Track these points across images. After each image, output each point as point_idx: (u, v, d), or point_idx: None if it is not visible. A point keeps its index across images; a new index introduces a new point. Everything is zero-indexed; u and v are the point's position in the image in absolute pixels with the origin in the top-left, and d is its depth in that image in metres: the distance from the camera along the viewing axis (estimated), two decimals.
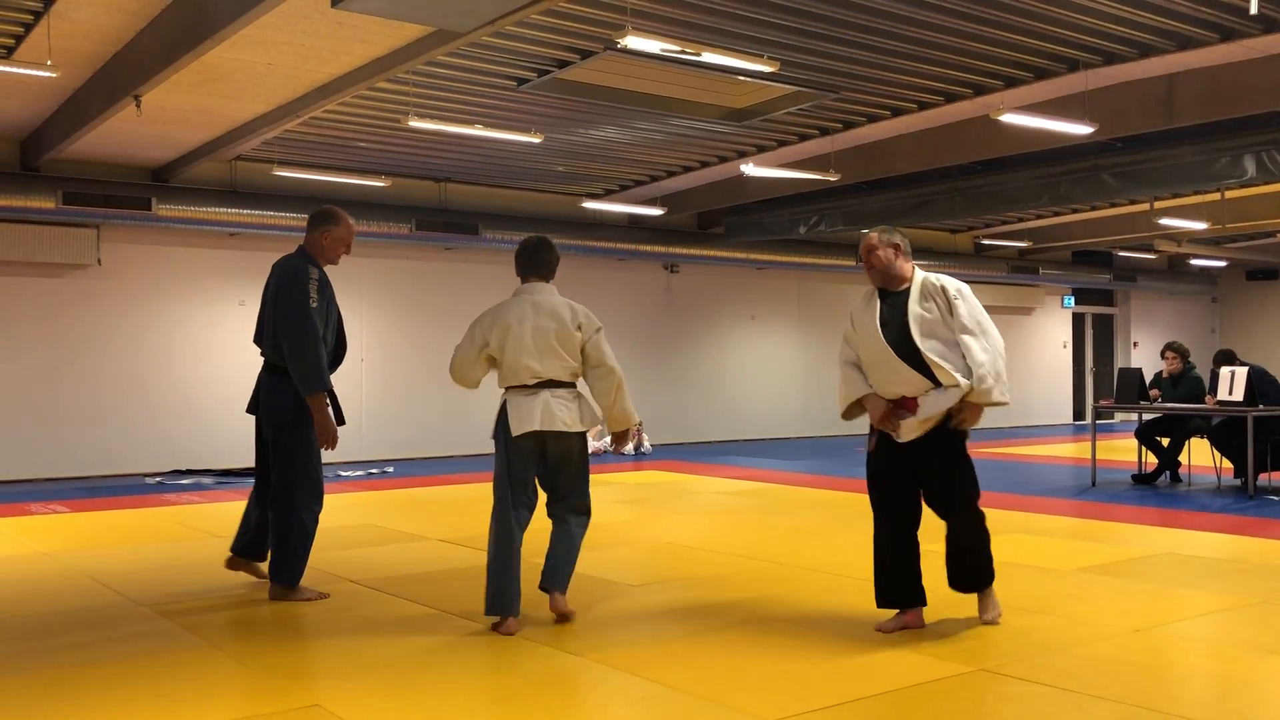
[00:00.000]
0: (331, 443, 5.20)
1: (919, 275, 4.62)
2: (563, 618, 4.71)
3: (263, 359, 5.36)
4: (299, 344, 5.07)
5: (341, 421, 5.37)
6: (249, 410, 5.41)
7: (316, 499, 5.32)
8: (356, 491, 9.77)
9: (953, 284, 4.60)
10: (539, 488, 4.87)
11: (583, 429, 4.85)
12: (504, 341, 4.83)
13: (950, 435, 4.55)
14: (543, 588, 4.73)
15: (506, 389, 4.83)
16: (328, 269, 5.35)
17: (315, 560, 5.88)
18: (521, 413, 4.73)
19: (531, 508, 4.84)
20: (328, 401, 5.19)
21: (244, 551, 5.45)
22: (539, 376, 4.78)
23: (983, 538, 4.62)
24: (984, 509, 4.66)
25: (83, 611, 5.02)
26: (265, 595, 5.29)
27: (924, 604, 4.56)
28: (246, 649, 4.36)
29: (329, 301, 5.27)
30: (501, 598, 4.59)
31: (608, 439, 13.71)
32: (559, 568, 4.78)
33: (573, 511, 4.89)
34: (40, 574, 5.94)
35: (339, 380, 5.51)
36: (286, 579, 5.23)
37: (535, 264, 5.17)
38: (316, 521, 5.34)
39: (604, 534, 7.29)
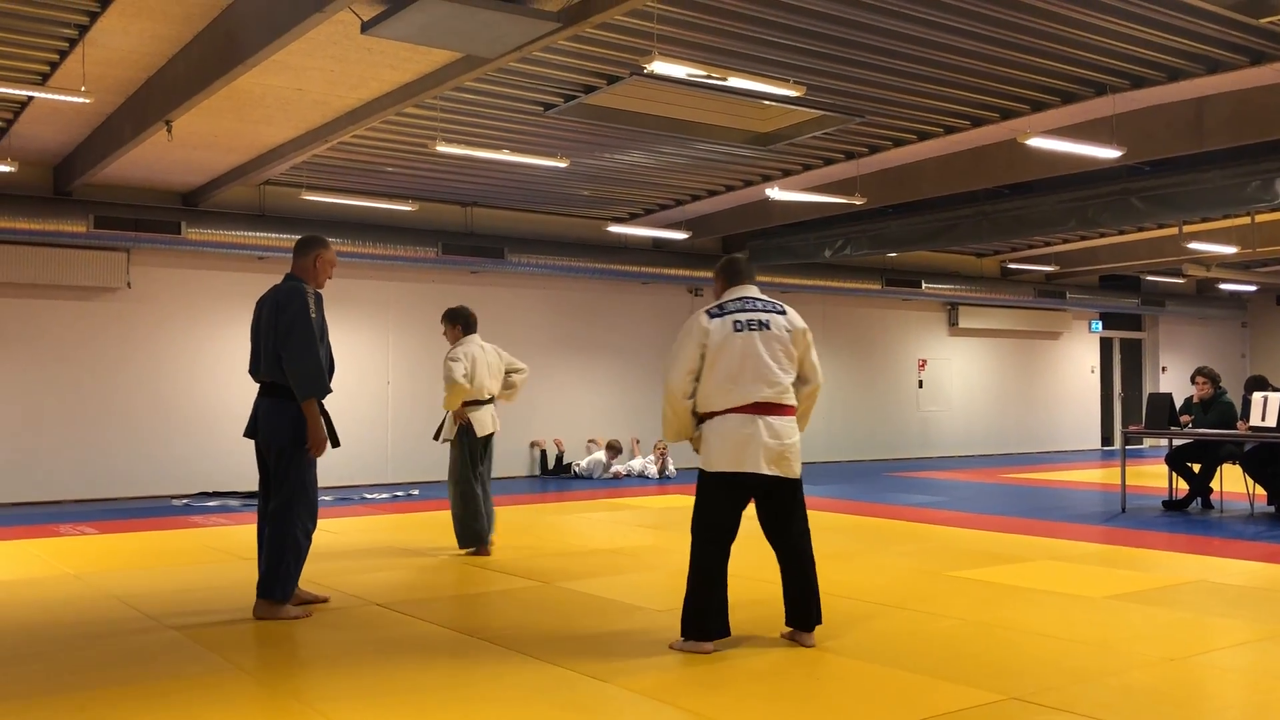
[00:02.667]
0: (318, 450, 5.32)
1: None
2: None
3: (259, 384, 5.49)
4: (299, 351, 5.24)
5: (336, 444, 5.49)
6: (247, 434, 5.51)
7: (311, 519, 5.42)
8: (381, 514, 9.79)
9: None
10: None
11: None
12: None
13: None
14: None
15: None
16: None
17: (338, 582, 5.91)
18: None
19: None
20: (322, 410, 5.36)
21: None
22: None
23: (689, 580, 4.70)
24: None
25: (110, 633, 5.04)
26: (293, 619, 5.29)
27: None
28: (271, 672, 4.36)
29: (323, 320, 5.45)
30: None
31: (644, 461, 13.65)
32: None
33: None
34: (69, 595, 5.97)
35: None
36: (277, 594, 5.29)
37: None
38: (310, 541, 5.43)
39: (629, 558, 7.27)
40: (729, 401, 4.59)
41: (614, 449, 13.87)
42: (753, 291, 4.85)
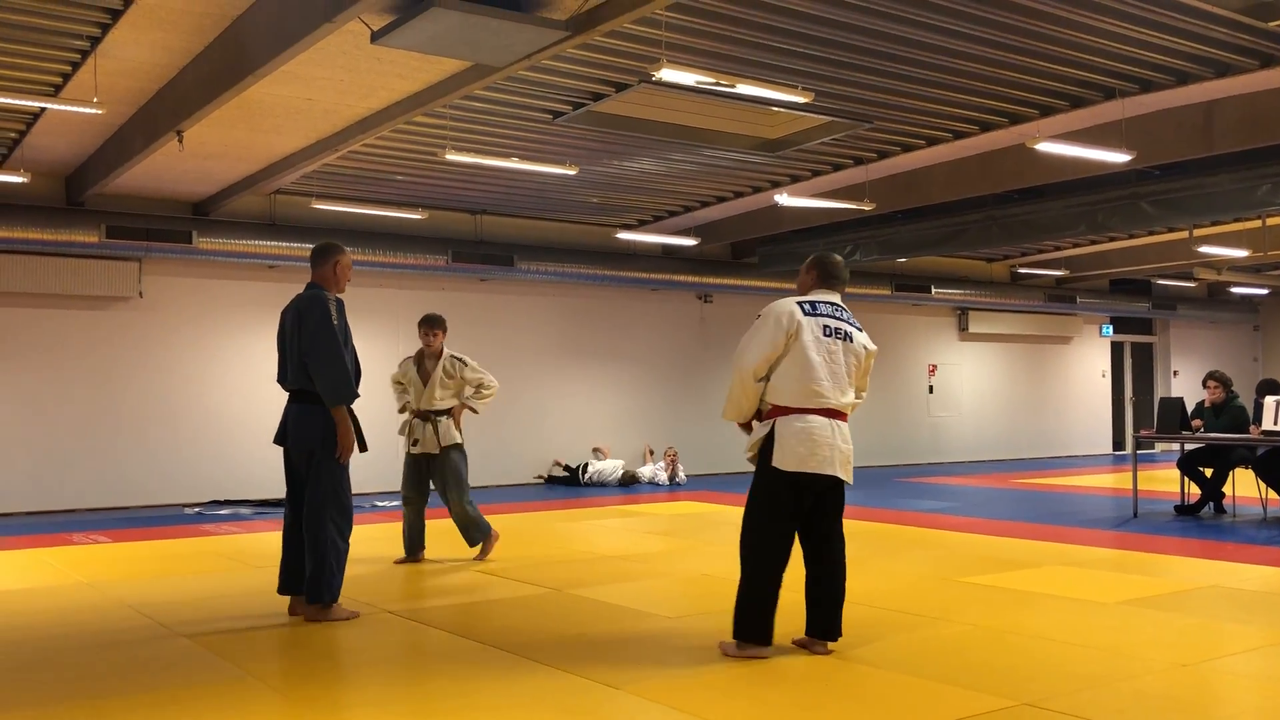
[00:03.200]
0: (346, 455, 5.39)
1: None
2: None
3: (288, 392, 5.53)
4: (324, 359, 5.31)
5: (364, 448, 5.57)
6: (276, 441, 5.56)
7: (347, 522, 5.48)
8: (391, 522, 9.79)
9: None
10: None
11: None
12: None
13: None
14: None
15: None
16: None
17: (350, 588, 5.92)
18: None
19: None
20: (351, 415, 5.42)
21: (293, 587, 5.52)
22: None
23: (740, 582, 4.66)
24: (751, 552, 4.67)
25: (123, 641, 5.06)
26: (302, 625, 5.31)
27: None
28: (285, 679, 4.37)
29: (346, 325, 5.52)
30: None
31: (654, 467, 13.65)
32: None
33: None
34: (82, 603, 6.00)
35: (362, 409, 5.62)
36: (325, 597, 5.36)
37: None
38: (348, 544, 5.50)
39: (639, 565, 7.27)
40: (808, 401, 4.56)
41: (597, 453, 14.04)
42: (839, 299, 4.86)
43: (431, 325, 7.44)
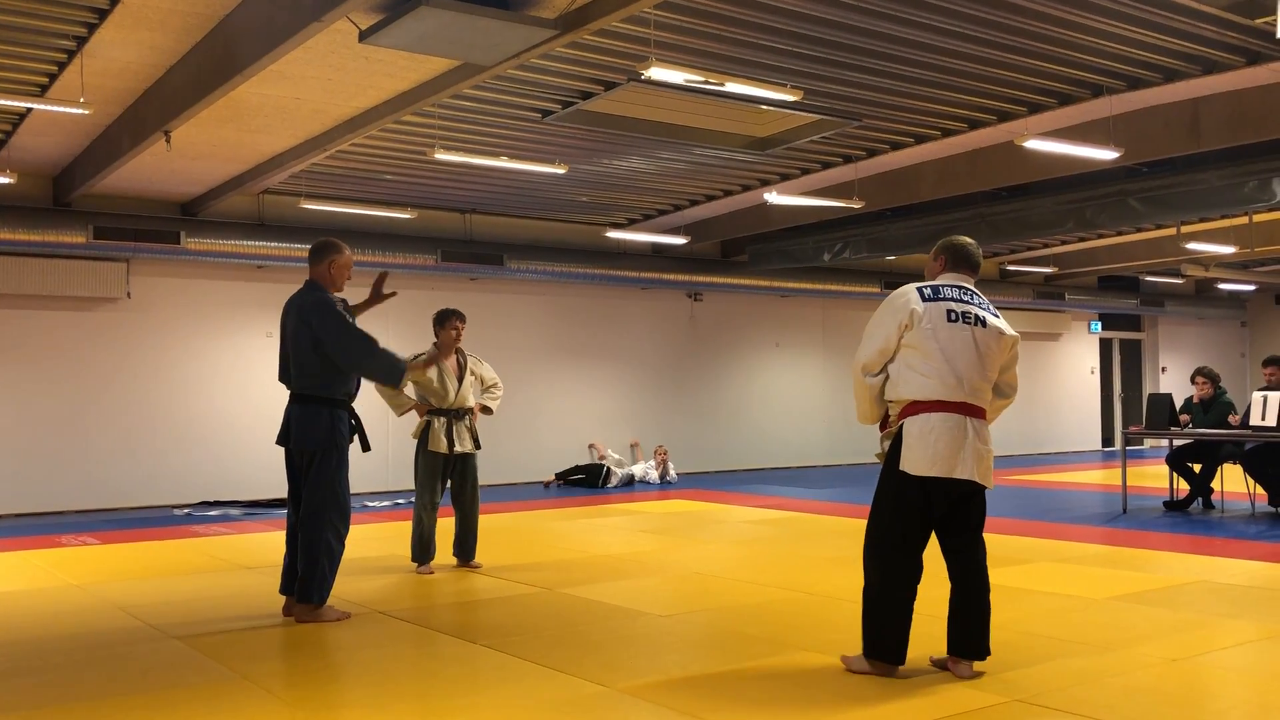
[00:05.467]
0: (446, 353, 6.02)
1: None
2: None
3: (290, 392, 5.51)
4: (360, 354, 5.39)
5: (366, 448, 5.60)
6: (279, 442, 5.52)
7: (344, 524, 5.49)
8: (382, 522, 9.78)
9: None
10: None
11: None
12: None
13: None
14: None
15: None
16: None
17: (341, 589, 5.90)
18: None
19: None
20: (341, 416, 5.48)
21: (294, 589, 5.51)
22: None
23: (864, 592, 4.31)
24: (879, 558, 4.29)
25: (113, 643, 5.04)
26: (294, 626, 5.31)
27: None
28: (278, 681, 4.36)
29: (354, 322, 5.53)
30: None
31: (645, 465, 13.62)
32: None
33: None
34: (71, 605, 5.97)
35: (360, 406, 5.62)
36: (314, 598, 5.36)
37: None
38: (344, 546, 5.50)
39: (631, 564, 7.28)
40: (935, 394, 4.11)
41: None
42: (972, 284, 4.37)
43: (463, 318, 7.08)
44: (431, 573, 6.88)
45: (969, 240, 4.48)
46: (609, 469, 13.41)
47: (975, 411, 4.19)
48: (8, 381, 10.87)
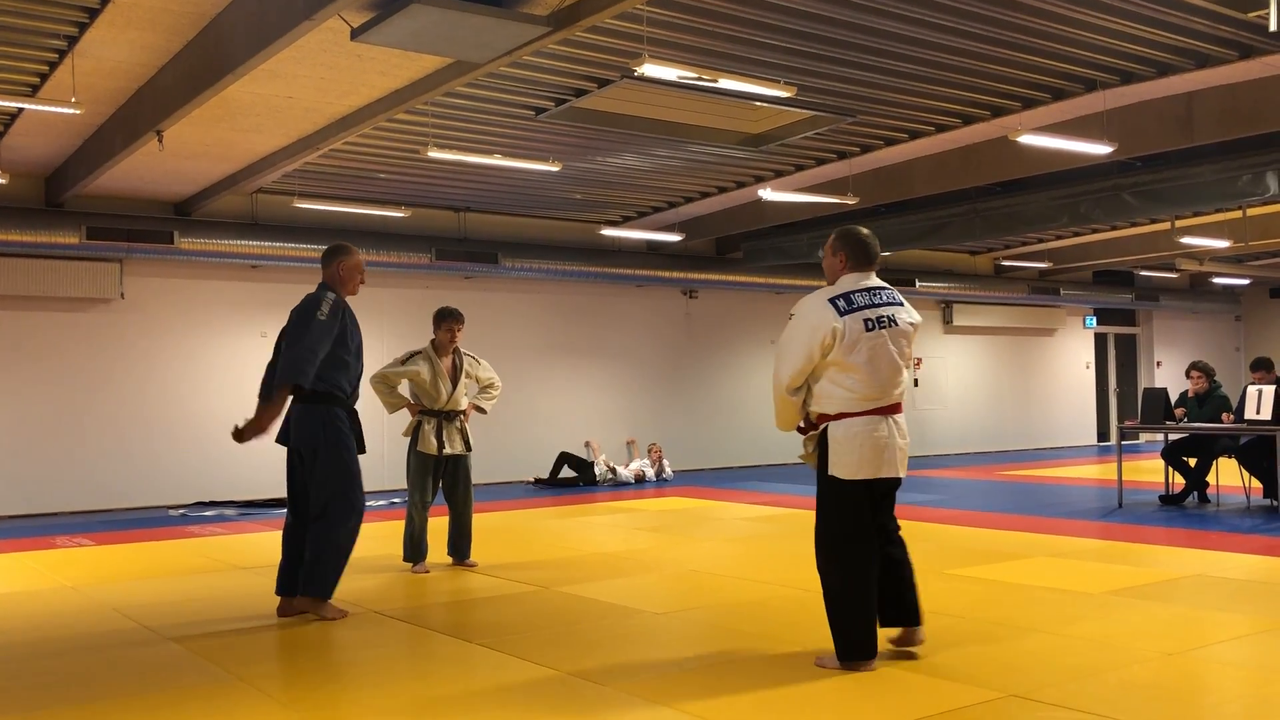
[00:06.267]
0: (245, 437, 5.24)
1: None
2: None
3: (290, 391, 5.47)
4: (290, 343, 5.32)
5: (361, 449, 5.58)
6: (279, 440, 5.50)
7: (356, 517, 5.47)
8: (378, 521, 9.76)
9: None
10: None
11: None
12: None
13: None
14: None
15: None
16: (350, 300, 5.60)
17: (339, 589, 5.88)
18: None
19: None
20: (339, 414, 5.42)
21: (292, 589, 5.49)
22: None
23: (827, 597, 4.35)
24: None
25: (108, 644, 5.02)
26: (290, 627, 5.29)
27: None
28: (274, 681, 4.34)
29: (347, 325, 5.48)
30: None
31: (640, 463, 13.58)
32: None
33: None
34: (65, 607, 5.95)
35: (363, 409, 5.59)
36: (318, 590, 5.36)
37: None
38: (353, 540, 5.48)
39: (627, 561, 7.27)
40: (861, 405, 4.24)
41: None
42: (877, 280, 4.42)
43: (460, 319, 7.06)
44: (426, 571, 6.86)
45: (866, 231, 4.47)
46: (599, 470, 13.37)
47: (894, 409, 4.34)
48: (1, 383, 10.84)
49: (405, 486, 7.12)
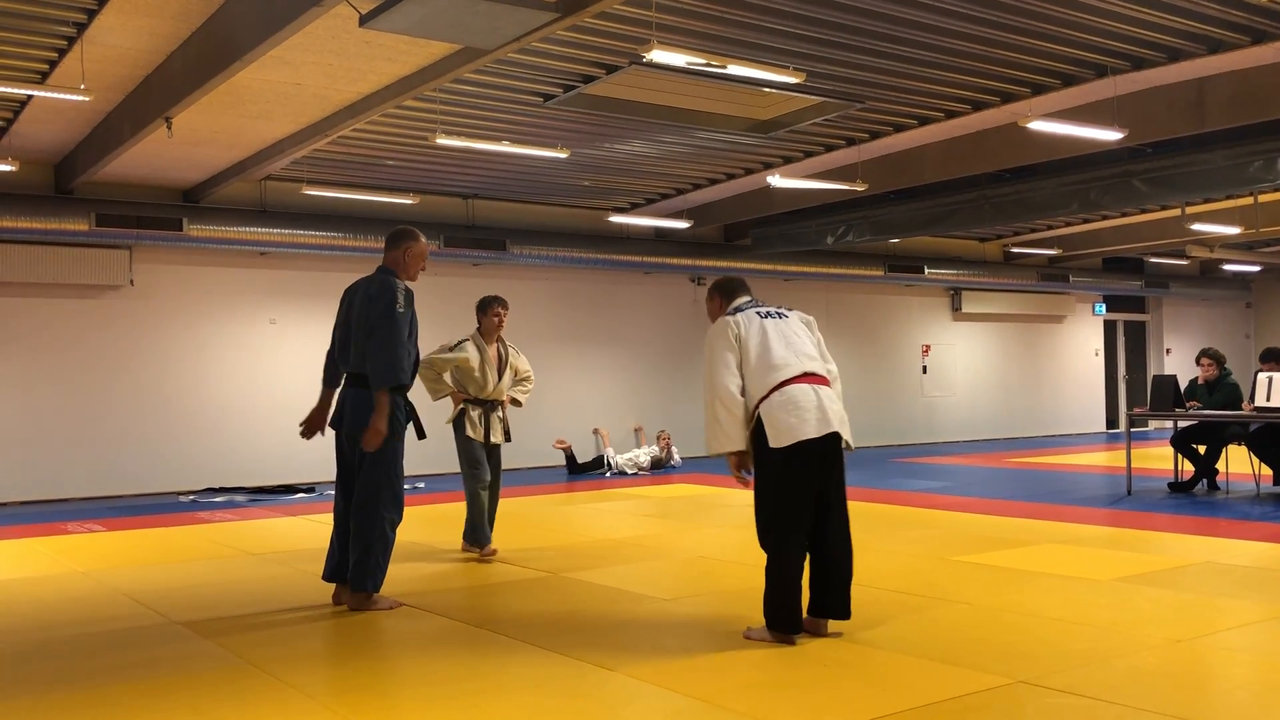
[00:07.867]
0: (375, 442, 5.21)
1: None
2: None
3: (345, 374, 5.49)
4: (380, 344, 5.24)
5: (421, 435, 5.56)
6: (332, 424, 5.49)
7: (397, 510, 5.43)
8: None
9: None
10: None
11: None
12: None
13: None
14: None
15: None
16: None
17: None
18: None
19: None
20: (397, 403, 5.33)
21: (341, 576, 5.47)
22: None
23: (769, 572, 4.55)
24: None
25: (120, 630, 5.06)
26: (303, 614, 5.32)
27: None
28: (282, 666, 4.37)
29: (413, 315, 5.45)
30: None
31: (649, 450, 13.53)
32: None
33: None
34: (77, 593, 5.99)
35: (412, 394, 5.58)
36: (368, 586, 5.32)
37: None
38: (395, 532, 5.44)
39: (634, 547, 7.28)
40: (780, 377, 4.52)
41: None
42: (753, 298, 4.99)
43: (505, 304, 7.01)
44: (495, 552, 6.80)
45: (732, 276, 5.14)
46: (607, 461, 13.40)
47: (817, 379, 4.59)
48: (11, 370, 10.89)
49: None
